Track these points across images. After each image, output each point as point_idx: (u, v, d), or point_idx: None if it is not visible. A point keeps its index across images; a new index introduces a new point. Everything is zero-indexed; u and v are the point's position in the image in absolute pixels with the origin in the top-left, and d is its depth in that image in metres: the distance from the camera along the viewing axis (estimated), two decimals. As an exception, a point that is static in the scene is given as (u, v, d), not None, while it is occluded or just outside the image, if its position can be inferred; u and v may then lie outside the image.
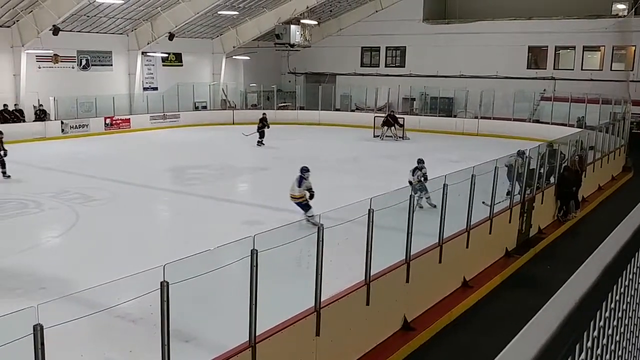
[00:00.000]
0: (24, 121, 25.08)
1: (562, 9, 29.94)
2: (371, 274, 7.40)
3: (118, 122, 28.37)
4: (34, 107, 25.78)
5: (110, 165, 19.94)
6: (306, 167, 12.18)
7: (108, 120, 27.93)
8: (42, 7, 23.61)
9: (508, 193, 11.98)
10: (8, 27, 24.60)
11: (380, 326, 7.82)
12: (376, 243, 7.40)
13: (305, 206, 11.81)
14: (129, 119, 28.97)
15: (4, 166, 16.67)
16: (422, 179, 13.31)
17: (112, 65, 29.61)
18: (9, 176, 16.65)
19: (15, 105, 25.21)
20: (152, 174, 18.30)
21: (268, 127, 24.42)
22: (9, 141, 20.78)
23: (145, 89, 31.04)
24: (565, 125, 25.75)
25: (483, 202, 10.72)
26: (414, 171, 13.68)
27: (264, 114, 25.43)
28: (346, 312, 7.10)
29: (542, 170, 13.19)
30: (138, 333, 7.26)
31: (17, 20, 24.47)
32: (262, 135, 24.20)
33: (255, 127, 24.39)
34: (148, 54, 30.45)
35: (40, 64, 26.42)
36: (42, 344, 4.07)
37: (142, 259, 8.81)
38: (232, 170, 19.80)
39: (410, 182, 13.19)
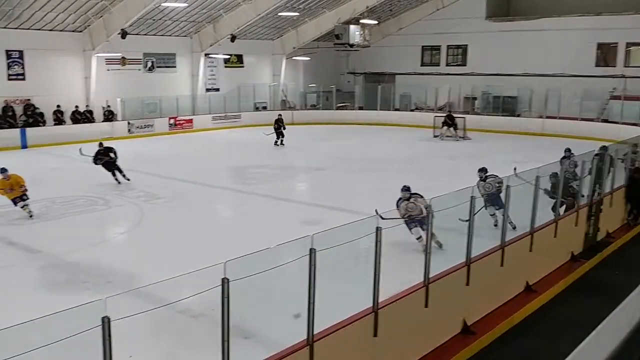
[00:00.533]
0: (93, 121, 26.11)
1: (633, 4, 28.65)
2: (430, 276, 7.31)
3: (181, 122, 29.14)
4: (103, 108, 26.78)
5: (173, 164, 20.51)
6: (403, 186, 10.64)
7: (172, 121, 28.73)
8: (111, 12, 24.51)
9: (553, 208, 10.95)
10: (80, 32, 25.66)
11: (439, 329, 7.71)
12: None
13: (408, 225, 10.36)
14: (192, 119, 29.70)
15: (120, 170, 16.67)
16: (494, 190, 11.11)
17: (176, 67, 30.42)
18: (128, 179, 16.68)
19: (86, 106, 26.28)
20: (213, 173, 18.70)
21: (284, 128, 24.58)
22: (79, 141, 21.64)
23: (208, 89, 31.74)
24: (636, 125, 24.69)
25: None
26: (477, 185, 11.31)
27: (279, 115, 25.60)
28: (404, 313, 7.04)
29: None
30: (199, 328, 7.42)
31: (89, 26, 25.50)
32: (279, 135, 24.40)
33: (278, 127, 24.57)
34: (210, 55, 31.10)
35: (109, 66, 27.43)
36: (110, 335, 4.22)
37: (204, 256, 9.00)
38: (290, 170, 19.99)
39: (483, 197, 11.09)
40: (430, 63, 35.87)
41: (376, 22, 33.72)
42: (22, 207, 12.93)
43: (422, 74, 35.29)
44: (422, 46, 35.81)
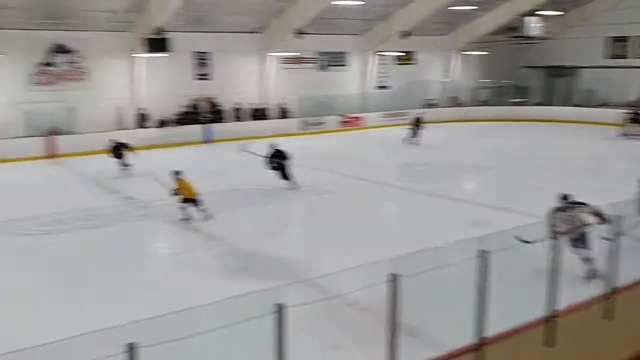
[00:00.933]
0: (268, 118, 27.62)
1: None
2: (615, 286, 6.71)
3: (351, 119, 29.74)
4: (277, 105, 28.21)
5: (342, 160, 21.01)
6: (561, 195, 8.97)
7: (342, 118, 29.43)
8: (288, 13, 25.72)
9: None
10: (259, 32, 27.25)
11: (624, 344, 7.04)
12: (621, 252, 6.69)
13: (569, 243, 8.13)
14: (361, 116, 30.17)
15: (287, 176, 16.01)
16: None
17: (347, 65, 31.09)
18: (296, 187, 15.95)
19: (263, 104, 27.89)
20: (380, 169, 18.84)
21: (420, 128, 24.05)
22: (255, 136, 22.85)
23: (380, 87, 32.04)
24: None
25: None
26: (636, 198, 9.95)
27: (419, 114, 25.27)
28: (583, 324, 6.54)
29: None
30: (365, 322, 7.49)
31: (267, 27, 26.99)
32: (414, 134, 23.98)
33: (413, 126, 24.19)
34: (381, 53, 31.31)
35: (283, 65, 28.78)
36: (283, 321, 4.39)
37: (370, 251, 9.11)
38: (457, 168, 19.48)
39: None
40: (618, 55, 32.85)
41: (556, 13, 31.56)
42: (180, 209, 12.90)
43: (608, 67, 32.46)
44: (608, 37, 32.91)
